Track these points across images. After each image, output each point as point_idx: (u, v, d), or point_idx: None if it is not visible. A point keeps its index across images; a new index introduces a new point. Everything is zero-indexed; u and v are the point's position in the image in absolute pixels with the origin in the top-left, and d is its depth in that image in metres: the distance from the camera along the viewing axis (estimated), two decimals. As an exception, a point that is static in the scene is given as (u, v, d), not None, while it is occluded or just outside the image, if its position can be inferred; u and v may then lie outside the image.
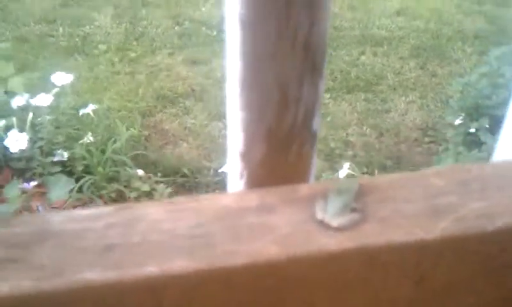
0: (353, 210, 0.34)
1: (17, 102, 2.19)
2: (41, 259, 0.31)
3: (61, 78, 2.27)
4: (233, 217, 0.34)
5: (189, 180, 2.28)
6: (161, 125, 2.60)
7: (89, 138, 2.21)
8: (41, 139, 2.17)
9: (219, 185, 2.28)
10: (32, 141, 2.15)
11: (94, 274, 0.30)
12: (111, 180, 2.19)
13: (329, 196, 0.35)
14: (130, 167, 2.22)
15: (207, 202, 0.35)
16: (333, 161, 2.60)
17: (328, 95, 3.12)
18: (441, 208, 0.35)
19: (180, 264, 0.31)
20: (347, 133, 2.86)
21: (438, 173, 0.38)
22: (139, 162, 2.33)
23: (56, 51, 3.17)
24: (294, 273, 0.33)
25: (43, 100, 2.18)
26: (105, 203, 2.06)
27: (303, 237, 0.33)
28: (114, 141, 2.28)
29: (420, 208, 0.35)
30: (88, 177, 2.11)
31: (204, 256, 0.32)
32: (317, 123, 0.35)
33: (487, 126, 2.26)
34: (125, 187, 2.17)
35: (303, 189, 0.36)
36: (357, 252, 0.33)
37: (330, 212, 0.33)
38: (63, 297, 0.30)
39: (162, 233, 0.33)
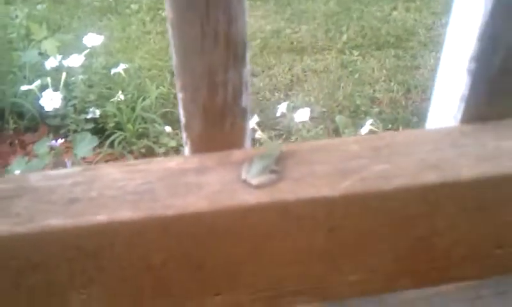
0: (272, 171, 0.41)
1: (51, 63, 2.31)
2: (18, 209, 0.39)
3: (93, 39, 2.37)
4: (175, 177, 0.42)
5: (215, 136, 2.37)
6: (189, 83, 2.68)
7: (120, 96, 2.32)
8: (75, 97, 2.29)
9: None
10: (66, 100, 2.27)
11: (57, 221, 0.39)
12: (141, 136, 2.30)
13: (253, 159, 0.42)
14: (159, 124, 2.33)
15: (156, 164, 0.43)
16: (358, 117, 2.63)
17: (356, 52, 3.12)
18: (349, 170, 0.42)
19: (126, 214, 0.39)
20: (374, 90, 2.87)
21: (356, 140, 0.44)
22: (167, 119, 2.43)
23: (90, 11, 3.27)
24: (219, 224, 0.40)
25: (76, 60, 2.28)
26: (136, 158, 2.17)
27: (228, 194, 0.40)
28: (144, 99, 2.38)
29: (332, 170, 0.42)
30: (118, 133, 2.22)
31: (146, 208, 0.40)
32: (246, 100, 0.41)
33: None
34: (154, 142, 2.27)
35: (236, 154, 0.43)
36: (272, 206, 0.40)
37: (252, 173, 0.41)
38: (33, 239, 0.39)
39: (115, 189, 0.41)
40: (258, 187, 0.40)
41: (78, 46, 2.51)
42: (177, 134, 2.32)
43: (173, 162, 0.43)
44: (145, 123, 2.33)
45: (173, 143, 2.26)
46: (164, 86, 2.55)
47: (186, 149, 0.44)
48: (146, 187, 0.41)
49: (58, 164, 1.54)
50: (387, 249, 0.44)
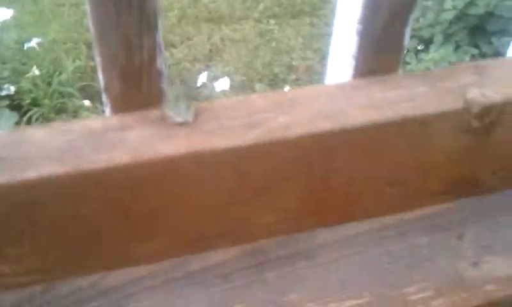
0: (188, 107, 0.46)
1: None
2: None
3: (2, 13, 2.29)
4: (98, 135, 0.46)
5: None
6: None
7: (35, 71, 2.26)
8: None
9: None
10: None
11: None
12: (59, 111, 2.27)
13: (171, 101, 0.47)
14: (78, 98, 2.30)
15: (78, 125, 0.46)
16: (276, 86, 2.71)
17: (273, 21, 3.18)
18: (255, 122, 0.47)
19: (53, 168, 0.43)
20: (291, 58, 2.95)
21: (262, 96, 0.50)
22: (86, 92, 2.41)
23: (-2, -16, 3.13)
24: (142, 175, 0.44)
25: (-14, 35, 2.19)
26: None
27: (148, 147, 0.45)
28: (60, 73, 2.34)
29: (240, 123, 0.47)
30: (35, 109, 2.18)
31: (72, 162, 0.43)
32: (161, 63, 0.46)
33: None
34: (73, 117, 2.25)
35: (154, 113, 0.47)
36: (188, 156, 0.45)
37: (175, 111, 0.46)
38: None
39: (41, 149, 0.44)
40: (182, 124, 0.45)
41: (-13, 20, 2.42)
42: (96, 108, 2.30)
43: (94, 122, 0.47)
44: (63, 97, 2.30)
45: (92, 116, 2.24)
46: (80, 59, 2.51)
47: (107, 110, 0.48)
48: (71, 145, 0.45)
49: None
50: (293, 191, 0.50)
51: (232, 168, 0.47)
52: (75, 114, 2.26)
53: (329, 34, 3.09)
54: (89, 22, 0.43)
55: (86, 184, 0.44)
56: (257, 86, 2.64)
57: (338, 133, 0.47)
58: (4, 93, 2.20)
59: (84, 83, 2.43)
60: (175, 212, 0.48)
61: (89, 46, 2.67)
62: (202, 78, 2.25)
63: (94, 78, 2.50)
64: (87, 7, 0.42)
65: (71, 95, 2.30)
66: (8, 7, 2.37)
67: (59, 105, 2.26)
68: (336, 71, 0.52)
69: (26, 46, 2.36)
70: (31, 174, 0.42)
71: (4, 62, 2.32)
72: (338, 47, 0.50)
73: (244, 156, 0.46)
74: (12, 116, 1.70)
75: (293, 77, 2.74)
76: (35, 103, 2.22)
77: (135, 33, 0.43)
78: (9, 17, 2.30)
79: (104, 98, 0.47)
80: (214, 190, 0.48)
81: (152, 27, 0.43)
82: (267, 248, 0.53)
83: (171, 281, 0.50)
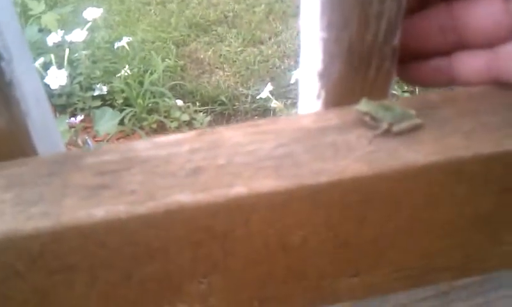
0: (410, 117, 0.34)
1: (52, 38, 2.20)
2: (132, 185, 0.32)
3: (93, 12, 2.26)
4: (314, 137, 0.34)
5: (228, 107, 2.29)
6: (196, 54, 2.58)
7: (126, 71, 2.22)
8: (80, 74, 2.19)
9: (258, 111, 2.28)
10: (71, 77, 2.18)
11: (185, 196, 0.31)
12: (151, 111, 2.21)
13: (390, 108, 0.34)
14: (169, 98, 2.24)
15: (286, 123, 0.35)
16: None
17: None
18: None
19: (267, 183, 0.31)
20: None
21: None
22: (177, 92, 2.34)
23: (86, -16, 3.14)
24: (379, 190, 0.33)
25: (78, 35, 2.17)
26: (147, 134, 2.09)
27: (387, 153, 0.33)
28: (151, 73, 2.29)
29: (502, 120, 0.34)
30: (128, 109, 2.13)
31: (290, 175, 0.32)
32: (398, 37, 0.34)
33: None
34: (165, 117, 2.19)
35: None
36: (443, 165, 0.32)
37: (394, 119, 0.33)
38: (156, 220, 0.31)
39: (246, 155, 0.33)
40: (398, 133, 0.33)
41: (78, 20, 2.40)
42: (188, 107, 2.23)
43: (305, 120, 0.35)
44: (154, 97, 2.25)
45: (185, 117, 2.17)
46: (170, 59, 2.45)
47: (319, 104, 0.36)
48: (283, 151, 0.33)
49: (74, 143, 1.45)
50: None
51: (494, 180, 0.34)
52: (167, 113, 2.19)
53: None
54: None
55: (305, 203, 0.32)
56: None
57: None
58: (96, 92, 2.17)
59: (175, 82, 2.37)
60: (404, 239, 0.36)
61: (177, 45, 2.61)
62: (296, 75, 2.12)
63: (184, 77, 2.44)
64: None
65: (162, 95, 2.24)
66: (98, 6, 2.33)
67: (150, 104, 2.20)
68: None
69: (116, 45, 2.33)
70: (240, 189, 0.31)
71: (95, 62, 2.29)
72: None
73: (514, 165, 0.33)
74: (115, 115, 1.63)
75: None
76: (127, 103, 2.18)
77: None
78: (99, 16, 2.26)
79: (317, 87, 0.36)
80: (464, 209, 0.35)
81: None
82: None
83: None
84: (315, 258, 0.36)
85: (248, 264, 0.35)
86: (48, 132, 0.39)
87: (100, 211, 0.31)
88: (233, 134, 0.35)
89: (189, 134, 0.35)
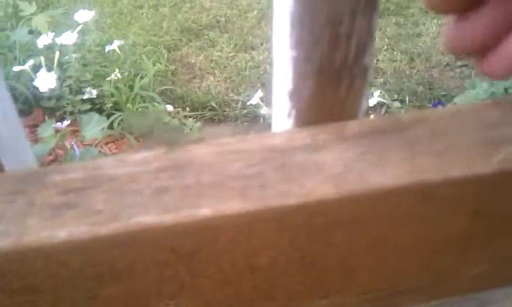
0: None
1: (43, 40, 2.19)
2: (97, 204, 0.31)
3: (84, 15, 2.25)
4: (283, 156, 0.34)
5: (218, 113, 2.28)
6: (187, 58, 2.58)
7: (116, 75, 2.21)
8: (70, 77, 2.18)
9: (248, 117, 2.27)
10: (61, 80, 2.17)
11: (150, 218, 0.30)
12: (141, 115, 2.20)
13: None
14: (159, 103, 2.23)
15: (256, 142, 0.35)
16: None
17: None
18: (496, 141, 0.34)
19: (233, 205, 0.31)
20: (377, 60, 2.80)
21: (492, 104, 0.37)
22: (167, 97, 2.34)
23: (78, -13, 3.13)
24: (347, 212, 0.32)
25: (69, 38, 2.17)
26: (136, 138, 2.08)
27: (355, 175, 0.32)
28: (142, 77, 2.28)
29: (474, 141, 0.34)
30: (117, 114, 2.12)
31: (257, 196, 0.31)
32: (369, 58, 0.33)
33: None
34: (154, 122, 2.18)
35: (353, 126, 0.35)
36: (412, 188, 0.32)
37: None
38: (119, 241, 0.30)
39: (214, 174, 0.33)
40: None
41: (69, 23, 2.39)
42: (178, 113, 2.23)
43: (276, 139, 0.35)
44: (144, 102, 2.24)
45: (175, 122, 2.16)
46: (160, 63, 2.44)
47: (290, 123, 0.36)
48: (251, 171, 0.33)
49: (61, 148, 1.44)
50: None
51: (466, 202, 0.34)
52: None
53: (419, 35, 2.91)
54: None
55: (272, 224, 0.32)
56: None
57: None
58: (86, 96, 2.16)
59: (166, 87, 2.37)
60: (371, 260, 0.36)
61: (169, 49, 2.61)
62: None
63: (175, 82, 2.43)
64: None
65: (152, 99, 2.23)
66: (89, 9, 2.33)
67: (140, 109, 2.19)
68: None
69: (107, 48, 2.32)
70: (206, 211, 0.31)
71: (85, 65, 2.28)
72: None
73: (486, 186, 0.33)
74: (101, 120, 1.63)
75: (380, 80, 2.58)
76: (117, 107, 2.17)
77: (348, 9, 0.31)
78: (90, 19, 2.25)
79: (289, 105, 0.36)
80: (435, 230, 0.35)
81: (370, 3, 0.31)
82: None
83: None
84: (283, 279, 0.35)
85: (215, 285, 0.34)
86: (17, 147, 0.38)
87: (62, 232, 0.30)
88: (202, 152, 0.34)
89: (157, 152, 0.35)
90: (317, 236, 0.33)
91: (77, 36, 2.18)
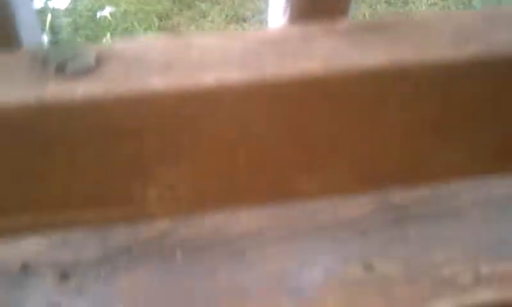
0: None
1: (35, 3, 2.19)
2: (109, 73, 0.35)
3: (78, -21, 2.26)
4: (279, 43, 0.38)
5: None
6: (178, 28, 2.60)
7: (108, 40, 2.23)
8: (61, 40, 2.19)
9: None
10: (52, 43, 2.18)
11: (159, 80, 0.34)
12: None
13: None
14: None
15: (253, 34, 0.39)
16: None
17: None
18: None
19: (234, 75, 0.35)
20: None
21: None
22: (157, 64, 2.35)
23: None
24: (333, 88, 0.36)
25: (61, 2, 2.18)
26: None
27: (343, 57, 0.36)
28: (133, 43, 2.29)
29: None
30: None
31: (255, 70, 0.35)
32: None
33: None
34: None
35: (343, 22, 0.39)
36: (390, 67, 0.36)
37: None
38: (131, 102, 0.34)
39: (216, 54, 0.37)
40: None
41: (61, -13, 2.40)
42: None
43: (271, 32, 0.39)
44: (135, 67, 2.25)
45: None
46: (152, 30, 2.46)
47: (284, 20, 0.40)
48: (250, 53, 0.37)
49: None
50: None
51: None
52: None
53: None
54: None
55: (267, 96, 0.36)
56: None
57: None
58: (77, 60, 2.17)
59: (156, 54, 2.38)
60: (354, 134, 0.40)
61: (160, 18, 2.62)
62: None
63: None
64: None
65: (143, 65, 2.25)
66: (82, -24, 2.34)
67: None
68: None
69: (99, 14, 2.33)
70: (209, 79, 0.34)
71: (76, 30, 2.30)
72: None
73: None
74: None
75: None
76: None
77: None
78: (83, -15, 2.26)
79: (283, 4, 0.39)
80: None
81: None
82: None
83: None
84: (273, 152, 0.39)
85: (213, 154, 0.38)
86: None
87: (80, 89, 0.34)
88: (203, 39, 0.38)
89: (159, 38, 0.38)
90: (306, 106, 0.37)
91: (69, 1, 2.20)
